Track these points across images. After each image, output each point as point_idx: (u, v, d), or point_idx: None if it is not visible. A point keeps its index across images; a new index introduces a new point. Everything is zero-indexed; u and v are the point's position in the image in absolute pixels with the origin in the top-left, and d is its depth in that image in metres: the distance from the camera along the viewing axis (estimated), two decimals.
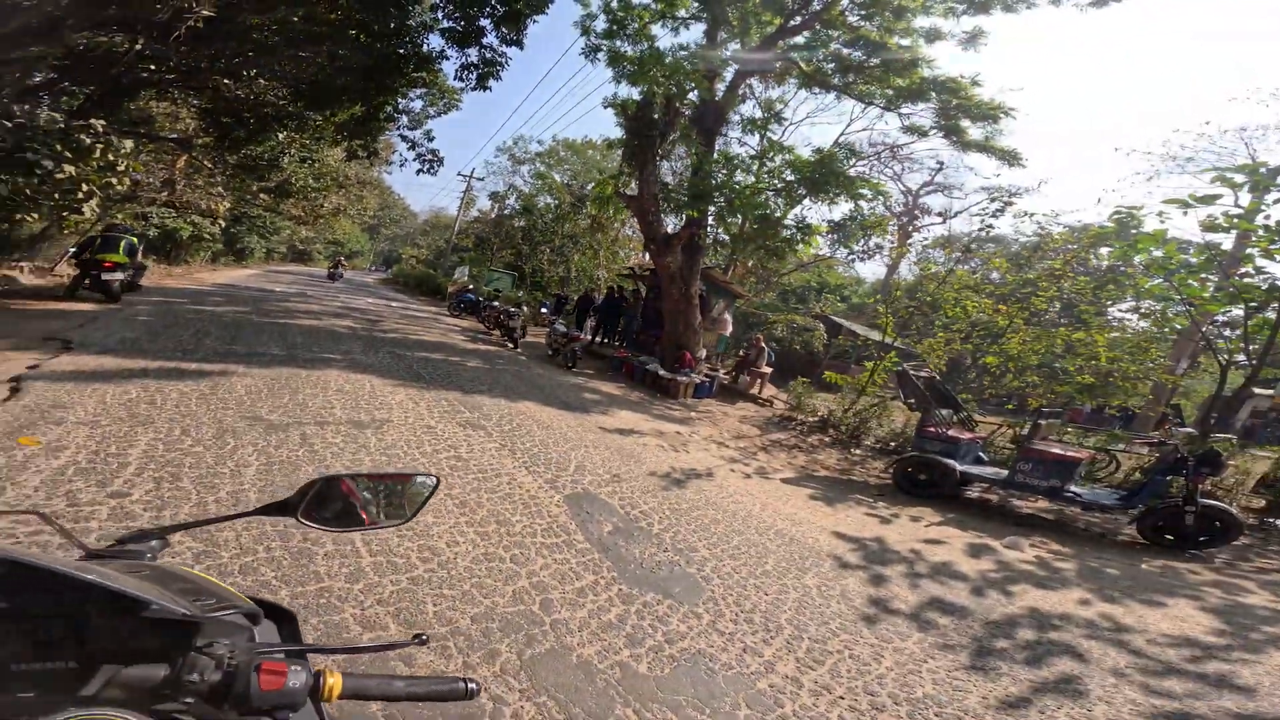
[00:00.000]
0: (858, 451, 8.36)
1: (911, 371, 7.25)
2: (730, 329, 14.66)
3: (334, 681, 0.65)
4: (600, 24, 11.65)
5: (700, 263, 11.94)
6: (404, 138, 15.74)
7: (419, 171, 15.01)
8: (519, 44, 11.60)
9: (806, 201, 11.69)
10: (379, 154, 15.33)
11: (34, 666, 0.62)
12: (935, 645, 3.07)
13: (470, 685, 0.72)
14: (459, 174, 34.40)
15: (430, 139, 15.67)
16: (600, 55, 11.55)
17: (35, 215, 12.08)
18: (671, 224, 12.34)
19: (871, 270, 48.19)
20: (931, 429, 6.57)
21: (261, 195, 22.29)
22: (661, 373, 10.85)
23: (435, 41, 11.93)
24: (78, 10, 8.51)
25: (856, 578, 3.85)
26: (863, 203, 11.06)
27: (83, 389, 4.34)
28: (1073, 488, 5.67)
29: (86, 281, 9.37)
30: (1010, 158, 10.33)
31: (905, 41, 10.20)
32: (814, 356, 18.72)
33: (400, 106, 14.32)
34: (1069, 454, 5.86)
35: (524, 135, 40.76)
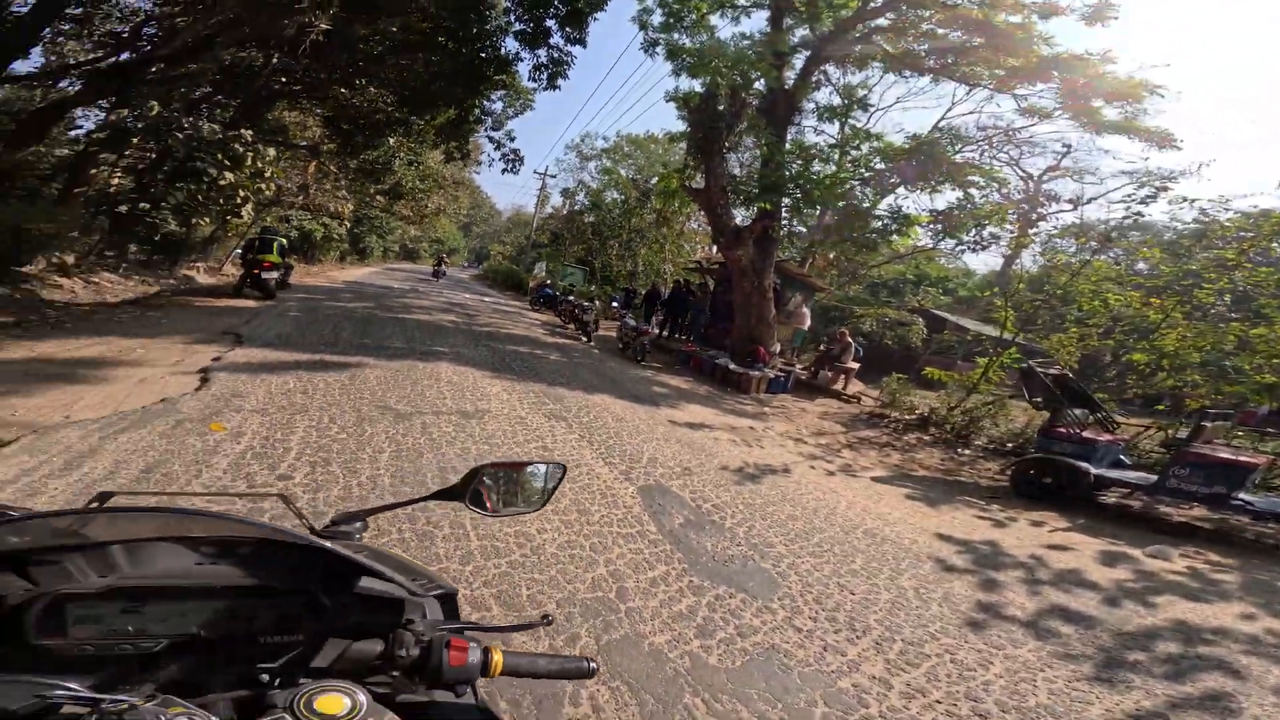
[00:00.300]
0: (966, 452, 7.68)
1: (1039, 368, 6.57)
2: (808, 323, 13.75)
3: (498, 659, 0.66)
4: (657, 18, 11.12)
5: (774, 255, 11.14)
6: (490, 138, 16.06)
7: (504, 170, 15.90)
8: (582, 42, 11.57)
9: (901, 190, 10.60)
10: (470, 155, 15.97)
11: (275, 639, 0.65)
12: (1055, 654, 2.81)
13: (591, 665, 0.73)
14: (535, 172, 34.99)
15: (511, 139, 15.90)
16: (659, 49, 11.06)
17: (206, 219, 13.72)
18: (741, 217, 11.69)
19: (984, 261, 44.02)
20: (1061, 429, 5.96)
21: (378, 197, 23.92)
22: (732, 367, 10.24)
23: (510, 45, 12.16)
24: (224, 29, 9.26)
25: (963, 581, 3.56)
26: (973, 190, 9.85)
27: (253, 380, 4.90)
28: (1244, 495, 4.99)
29: (249, 280, 10.43)
30: (1160, 139, 8.90)
31: (1015, 18, 8.84)
32: (911, 352, 17.11)
33: (484, 109, 14.68)
34: (1241, 459, 5.18)
35: (590, 132, 40.82)
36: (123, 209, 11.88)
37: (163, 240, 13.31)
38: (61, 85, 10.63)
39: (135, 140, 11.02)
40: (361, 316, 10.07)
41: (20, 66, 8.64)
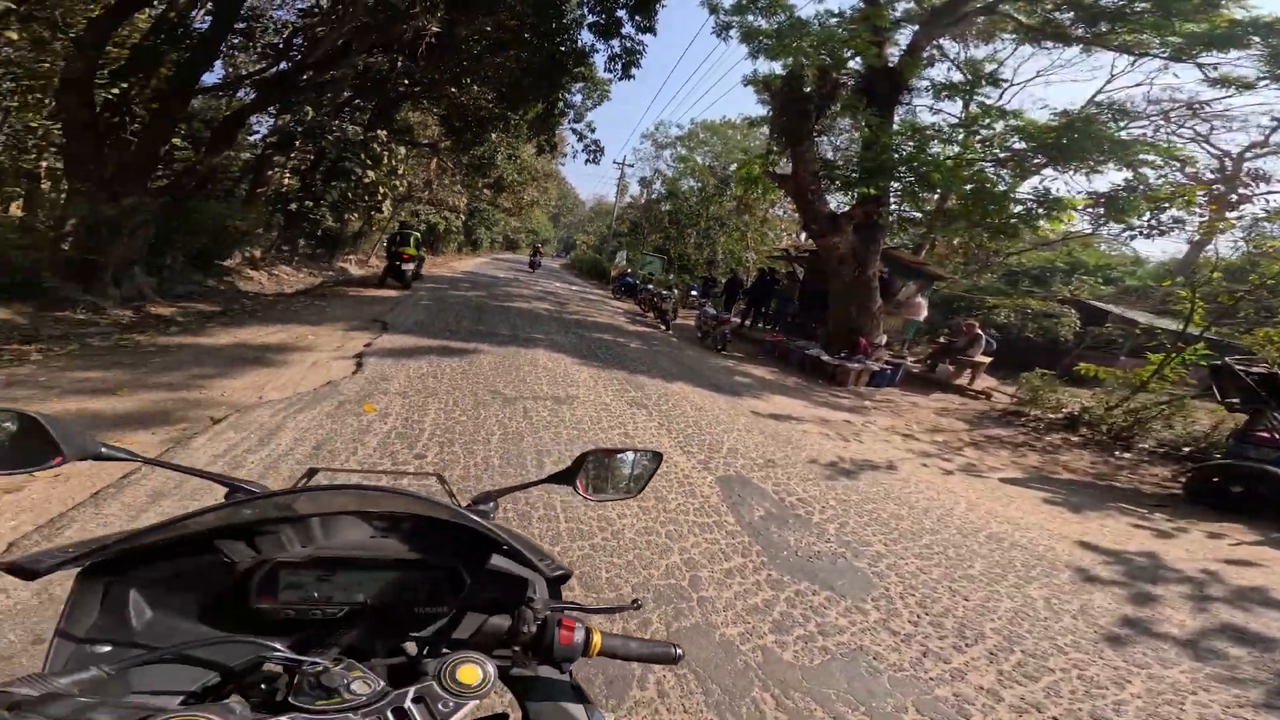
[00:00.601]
0: (1126, 455, 6.77)
1: (1239, 366, 5.72)
2: (924, 314, 12.59)
3: (597, 640, 0.65)
4: (729, 0, 10.26)
5: (880, 242, 10.19)
6: (573, 130, 16.07)
7: (586, 160, 15.81)
8: (652, 30, 11.22)
9: (1050, 171, 9.17)
10: (557, 147, 16.21)
11: (425, 610, 0.66)
12: (1215, 677, 2.44)
13: (677, 651, 0.72)
14: (614, 162, 34.11)
15: (592, 130, 15.89)
16: (732, 32, 10.23)
17: (354, 215, 15.26)
18: (836, 203, 10.81)
19: (1160, 248, 37.53)
20: (1263, 433, 5.21)
21: (484, 190, 25.24)
22: (825, 358, 9.42)
23: (585, 37, 12.08)
24: (356, 36, 9.73)
25: (1106, 594, 3.14)
26: (1147, 170, 8.35)
27: (395, 364, 5.36)
28: None
29: (391, 272, 11.12)
30: None
31: None
32: (1059, 346, 14.93)
33: (567, 101, 14.70)
34: None
35: (664, 120, 39.85)
36: (293, 207, 13.57)
37: (323, 235, 15.10)
38: (239, 95, 11.61)
39: (297, 143, 12.34)
40: (476, 305, 10.77)
41: (205, 78, 9.33)
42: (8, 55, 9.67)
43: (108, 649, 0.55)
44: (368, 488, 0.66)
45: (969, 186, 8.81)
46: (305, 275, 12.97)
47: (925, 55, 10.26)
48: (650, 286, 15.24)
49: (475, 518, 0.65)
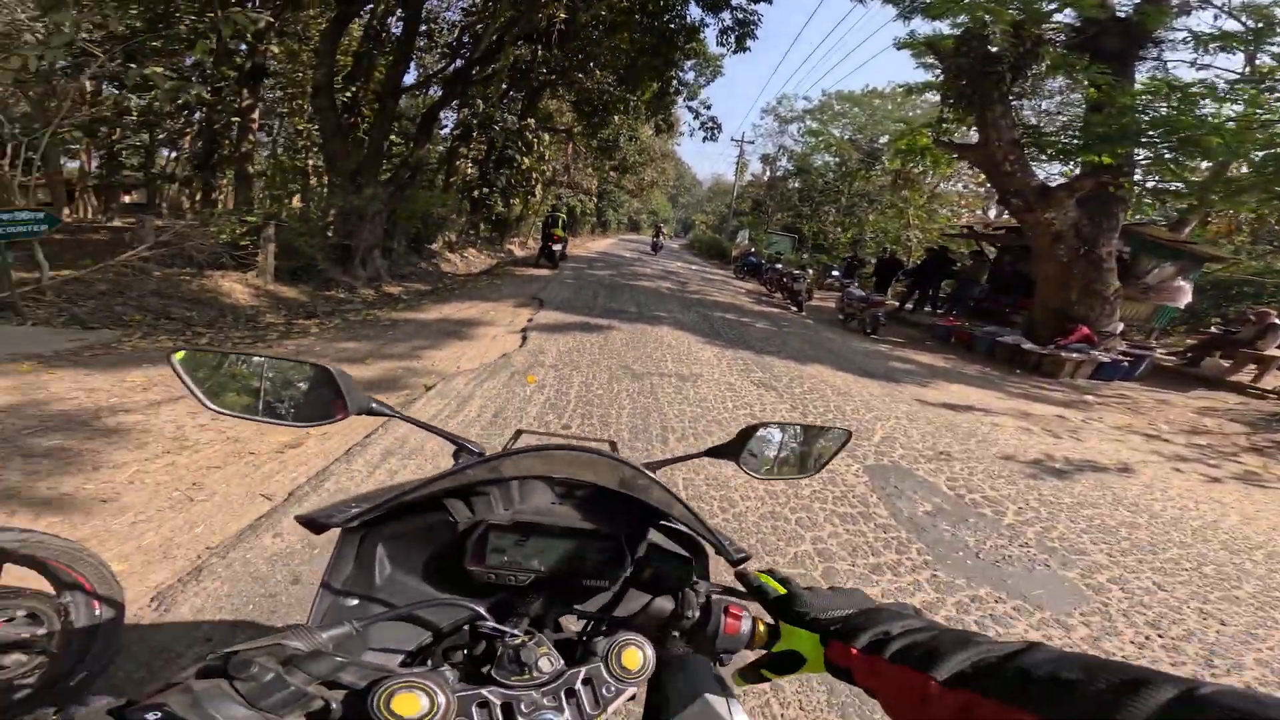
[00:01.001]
0: None
1: None
2: (1185, 299, 10.26)
3: (762, 630, 0.56)
4: None
5: (1118, 217, 8.38)
6: (688, 108, 14.90)
7: (704, 138, 14.51)
8: None
9: None
10: (673, 126, 15.21)
11: (591, 583, 0.60)
12: None
13: None
14: (732, 139, 31.70)
15: (708, 107, 14.68)
16: None
17: (516, 200, 16.60)
18: (1045, 174, 9.02)
19: None
20: None
21: (611, 172, 25.46)
22: (1028, 346, 7.95)
23: (694, 12, 10.99)
24: (506, 29, 10.05)
25: None
26: None
27: (549, 338, 5.69)
28: None
29: (543, 252, 11.86)
30: None
31: None
32: None
33: (680, 79, 13.63)
34: None
35: (788, 94, 35.20)
36: (475, 194, 15.18)
37: (496, 220, 16.75)
38: (430, 92, 12.45)
39: (475, 135, 13.56)
40: (608, 284, 10.93)
41: (405, 80, 10.08)
42: (274, 67, 11.56)
43: (355, 603, 0.55)
44: (587, 450, 0.59)
45: (1261, 152, 6.51)
46: (485, 257, 14.56)
47: (1175, 2, 7.69)
48: (779, 266, 13.78)
49: (676, 496, 0.57)
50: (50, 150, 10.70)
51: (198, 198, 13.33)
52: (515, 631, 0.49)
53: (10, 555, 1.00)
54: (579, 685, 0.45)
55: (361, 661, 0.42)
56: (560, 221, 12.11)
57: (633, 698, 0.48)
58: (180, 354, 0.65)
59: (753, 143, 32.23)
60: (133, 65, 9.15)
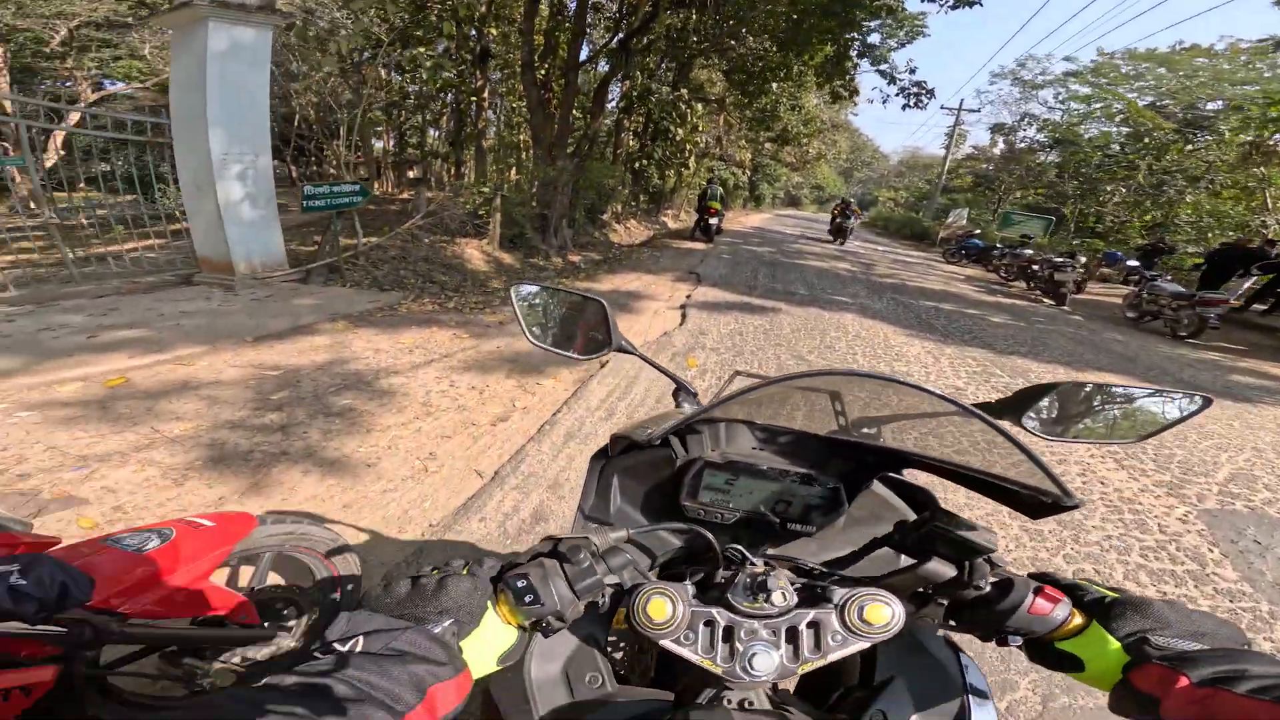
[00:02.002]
0: None
1: None
2: None
3: (1077, 621, 0.40)
4: None
5: None
6: (882, 72, 10.04)
7: (904, 107, 10.09)
8: None
9: None
10: (855, 93, 11.10)
11: (794, 527, 0.52)
12: None
13: None
14: (943, 107, 23.28)
15: (911, 71, 9.91)
16: None
17: (670, 172, 15.02)
18: None
19: None
20: None
21: (767, 144, 21.53)
22: None
23: None
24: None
25: None
26: None
27: (709, 318, 4.89)
28: None
29: (699, 225, 10.33)
30: None
31: None
32: None
33: (864, 42, 9.92)
34: None
35: (1035, 55, 23.74)
36: (636, 166, 14.21)
37: (653, 192, 15.70)
38: (599, 67, 11.44)
39: (635, 107, 12.32)
40: (769, 261, 9.07)
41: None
42: (493, 48, 10.97)
43: (595, 527, 0.53)
44: (883, 377, 0.44)
45: None
46: (643, 228, 13.89)
47: None
48: (1027, 251, 9.79)
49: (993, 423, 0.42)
50: (363, 131, 12.55)
51: (451, 172, 14.62)
52: (757, 560, 0.44)
53: (284, 555, 1.02)
54: (803, 626, 0.38)
55: (637, 563, 0.42)
56: (717, 194, 10.44)
57: (863, 653, 0.40)
58: (518, 287, 0.72)
59: (977, 110, 22.34)
60: (407, 51, 9.80)
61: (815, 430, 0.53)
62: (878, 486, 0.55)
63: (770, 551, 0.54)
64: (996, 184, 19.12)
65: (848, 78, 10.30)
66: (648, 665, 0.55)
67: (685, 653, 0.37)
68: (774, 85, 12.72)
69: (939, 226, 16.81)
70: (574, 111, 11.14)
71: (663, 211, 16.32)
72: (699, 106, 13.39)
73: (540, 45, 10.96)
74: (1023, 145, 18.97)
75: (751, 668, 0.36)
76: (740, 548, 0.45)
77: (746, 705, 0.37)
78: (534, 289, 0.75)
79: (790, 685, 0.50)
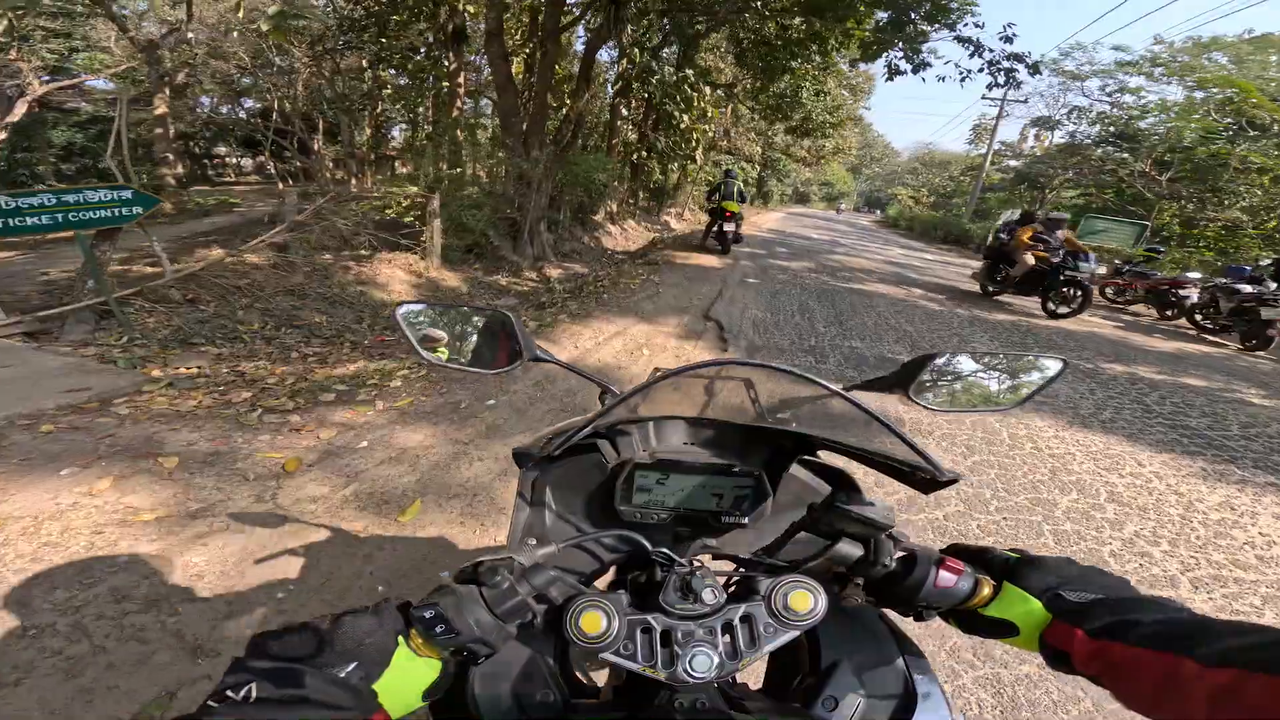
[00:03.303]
0: None
1: None
2: None
3: (986, 591, 0.38)
4: None
5: None
6: (962, 39, 6.56)
7: (992, 85, 6.96)
8: None
9: None
10: (925, 65, 7.46)
11: (727, 519, 0.48)
12: None
13: None
14: (984, 96, 20.06)
15: (1009, 39, 6.44)
16: None
17: (674, 165, 12.58)
18: None
19: None
20: None
21: (779, 137, 19.02)
22: None
23: None
24: None
25: None
26: None
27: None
28: None
29: (712, 231, 7.73)
30: None
31: None
32: None
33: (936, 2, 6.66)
34: None
35: (1082, 43, 20.04)
36: (634, 158, 11.86)
37: (654, 189, 13.33)
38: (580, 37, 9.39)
39: (635, 88, 9.92)
40: (815, 288, 6.19)
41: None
42: (469, 29, 9.17)
43: (533, 541, 0.48)
44: (749, 363, 0.46)
45: None
46: (643, 229, 11.57)
47: None
48: (1137, 268, 7.11)
49: (865, 408, 0.41)
50: (349, 122, 10.49)
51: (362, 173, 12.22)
52: (683, 561, 0.42)
53: None
54: (736, 621, 0.37)
55: (566, 577, 0.39)
56: (735, 192, 7.66)
57: (794, 654, 0.42)
58: (403, 308, 0.62)
59: (1024, 102, 18.51)
60: (383, 40, 8.10)
61: (738, 420, 0.52)
62: (797, 469, 0.53)
63: (710, 543, 0.51)
64: (1043, 181, 16.40)
65: (912, 45, 7.04)
66: (620, 672, 0.46)
67: (626, 663, 0.35)
68: (795, 65, 10.23)
69: (983, 229, 14.24)
70: (555, 91, 8.83)
71: (665, 210, 13.91)
72: (707, 90, 10.91)
73: (511, 7, 8.61)
74: (1073, 140, 16.18)
75: (692, 669, 0.34)
76: (666, 550, 0.42)
77: (700, 706, 0.35)
78: (421, 307, 0.64)
79: (756, 682, 0.47)
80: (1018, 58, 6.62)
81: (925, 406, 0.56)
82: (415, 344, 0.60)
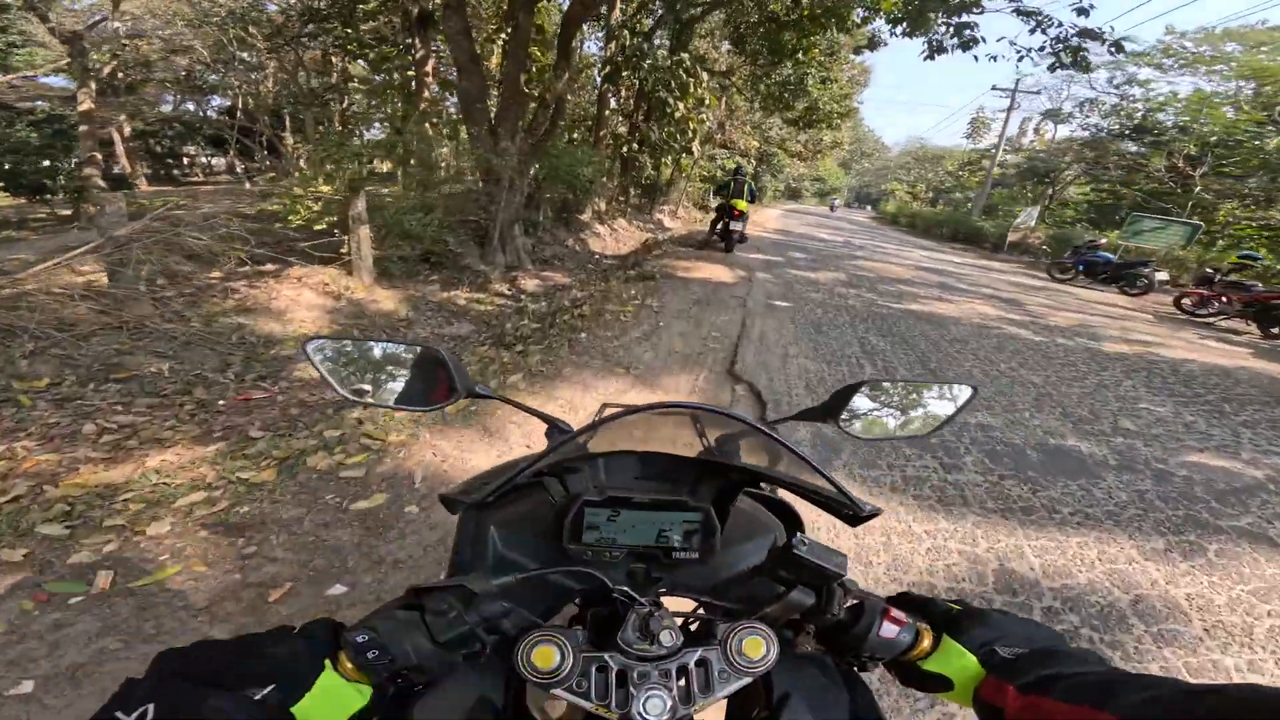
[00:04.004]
0: None
1: None
2: None
3: (926, 643, 0.38)
4: None
5: None
6: (1024, 12, 5.10)
7: (1053, 67, 5.57)
8: None
9: None
10: (971, 44, 6.36)
11: (679, 555, 0.45)
12: None
13: None
14: (995, 88, 18.13)
15: (1085, 10, 4.82)
16: None
17: (668, 159, 11.27)
18: None
19: None
20: None
21: (778, 130, 17.79)
22: None
23: None
24: None
25: None
26: None
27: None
28: None
29: (716, 230, 6.71)
30: None
31: None
32: None
33: None
34: None
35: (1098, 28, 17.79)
36: (624, 150, 10.66)
37: (646, 184, 12.12)
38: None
39: (625, 74, 8.70)
40: (865, 311, 4.75)
41: None
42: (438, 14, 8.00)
43: (475, 576, 0.43)
44: (666, 406, 0.43)
45: None
46: (634, 228, 10.39)
47: None
48: (1230, 277, 6.16)
49: (784, 443, 0.41)
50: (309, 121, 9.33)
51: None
52: (644, 601, 0.39)
53: None
54: (692, 665, 0.36)
55: (519, 610, 0.38)
56: (745, 188, 6.63)
57: (748, 689, 0.39)
58: (312, 343, 0.55)
59: (1038, 93, 17.28)
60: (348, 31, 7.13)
61: (687, 454, 0.50)
62: (744, 502, 0.51)
63: (664, 581, 0.47)
64: (1053, 176, 15.28)
65: (957, 26, 5.51)
66: (577, 716, 0.47)
67: (579, 700, 0.34)
68: (806, 45, 8.98)
69: (997, 227, 13.00)
70: (535, 77, 7.62)
71: (658, 208, 12.69)
72: (705, 75, 9.69)
73: None
74: (1094, 135, 14.88)
75: (645, 712, 0.33)
76: (627, 589, 0.40)
77: None
78: (332, 343, 0.56)
79: (718, 713, 0.44)
80: (1092, 34, 5.19)
81: (852, 435, 0.58)
82: (332, 382, 0.54)
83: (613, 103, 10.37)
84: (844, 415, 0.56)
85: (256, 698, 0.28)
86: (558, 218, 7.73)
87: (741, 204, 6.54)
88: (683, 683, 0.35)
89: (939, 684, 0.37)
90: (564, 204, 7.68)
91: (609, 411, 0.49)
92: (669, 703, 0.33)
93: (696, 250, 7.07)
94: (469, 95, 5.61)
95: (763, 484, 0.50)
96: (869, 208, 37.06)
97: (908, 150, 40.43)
